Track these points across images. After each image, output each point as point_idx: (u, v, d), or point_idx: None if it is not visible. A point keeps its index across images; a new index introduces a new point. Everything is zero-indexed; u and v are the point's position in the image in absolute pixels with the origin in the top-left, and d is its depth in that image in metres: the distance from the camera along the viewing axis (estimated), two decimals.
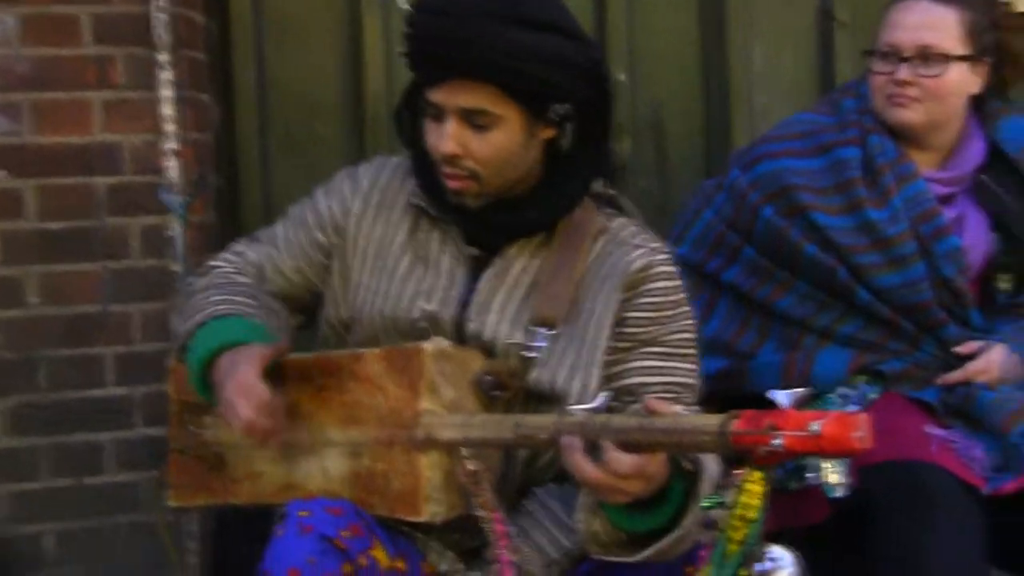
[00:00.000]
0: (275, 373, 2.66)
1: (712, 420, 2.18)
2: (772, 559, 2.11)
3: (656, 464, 2.27)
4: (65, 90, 3.63)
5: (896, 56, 3.21)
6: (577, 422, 2.33)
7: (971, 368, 3.17)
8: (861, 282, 3.21)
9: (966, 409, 3.13)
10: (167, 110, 3.65)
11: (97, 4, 3.61)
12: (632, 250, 2.68)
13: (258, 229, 3.03)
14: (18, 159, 3.63)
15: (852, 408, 3.16)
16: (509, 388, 2.60)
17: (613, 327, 2.64)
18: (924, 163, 3.29)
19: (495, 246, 2.72)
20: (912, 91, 3.22)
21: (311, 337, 2.91)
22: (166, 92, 3.64)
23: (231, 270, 2.87)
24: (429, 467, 2.47)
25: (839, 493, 2.14)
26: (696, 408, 2.67)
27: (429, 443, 2.47)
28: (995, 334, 3.23)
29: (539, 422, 2.41)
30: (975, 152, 3.33)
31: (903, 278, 3.19)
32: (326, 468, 2.62)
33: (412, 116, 2.73)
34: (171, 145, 3.65)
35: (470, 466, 2.45)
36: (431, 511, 2.47)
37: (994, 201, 3.31)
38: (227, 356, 2.60)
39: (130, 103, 3.66)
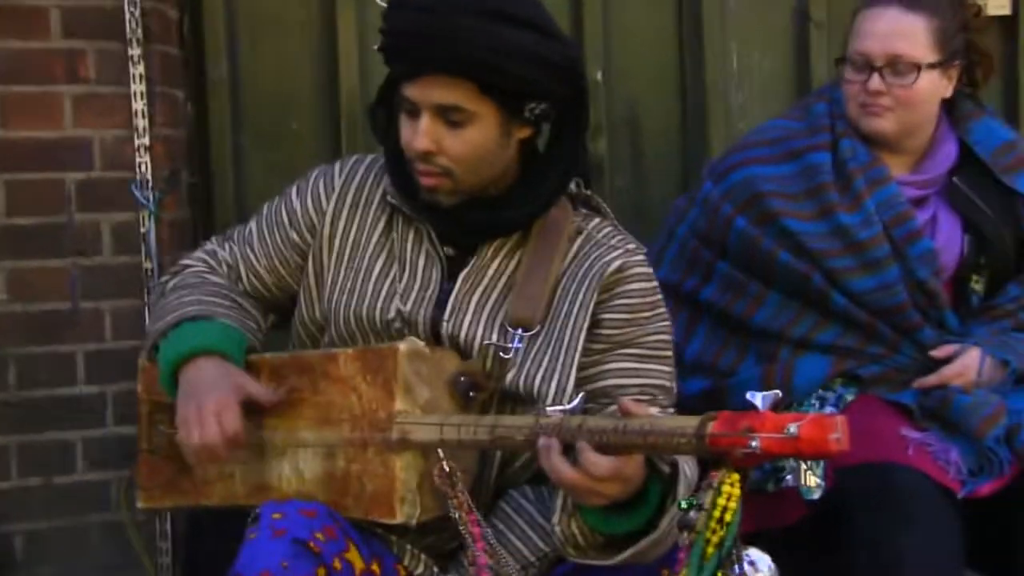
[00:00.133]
0: (249, 374, 2.65)
1: (689, 422, 2.17)
2: (750, 562, 2.10)
3: (633, 466, 2.26)
4: (34, 84, 3.59)
5: (867, 66, 3.21)
6: (553, 423, 2.31)
7: (947, 372, 3.17)
8: (836, 287, 3.20)
9: (942, 413, 3.12)
10: (138, 105, 3.62)
11: None
12: (608, 251, 2.67)
13: (231, 225, 3.02)
14: None
15: (829, 410, 3.16)
16: (484, 389, 2.58)
17: (589, 328, 2.62)
18: (897, 166, 3.29)
19: (470, 246, 2.70)
20: (884, 100, 3.22)
21: (284, 337, 2.89)
22: (138, 87, 3.61)
23: (204, 269, 2.85)
24: (403, 468, 2.45)
25: (815, 495, 2.13)
26: (672, 410, 2.67)
27: (404, 444, 2.45)
28: (970, 337, 3.23)
29: (516, 423, 2.39)
30: (947, 154, 3.33)
31: (878, 281, 3.19)
32: (299, 469, 2.60)
33: (387, 112, 2.71)
34: (143, 141, 3.62)
35: (445, 467, 2.43)
36: (406, 513, 2.45)
37: (966, 204, 3.30)
38: (205, 365, 2.60)
39: (101, 98, 3.62)
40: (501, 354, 2.59)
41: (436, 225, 2.71)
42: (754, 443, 2.05)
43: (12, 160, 3.60)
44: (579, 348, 2.61)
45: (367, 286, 2.72)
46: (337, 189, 2.80)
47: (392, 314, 2.68)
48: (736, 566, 2.12)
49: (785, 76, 4.26)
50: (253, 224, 2.89)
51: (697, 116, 4.18)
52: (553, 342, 2.62)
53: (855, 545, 2.96)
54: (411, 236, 2.74)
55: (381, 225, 2.76)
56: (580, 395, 2.40)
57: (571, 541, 2.40)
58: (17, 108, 3.59)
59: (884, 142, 3.27)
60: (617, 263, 2.64)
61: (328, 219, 2.78)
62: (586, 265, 2.66)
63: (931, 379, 3.17)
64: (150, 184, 3.62)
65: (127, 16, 3.57)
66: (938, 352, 3.20)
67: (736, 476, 2.09)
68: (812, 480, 2.15)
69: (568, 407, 2.33)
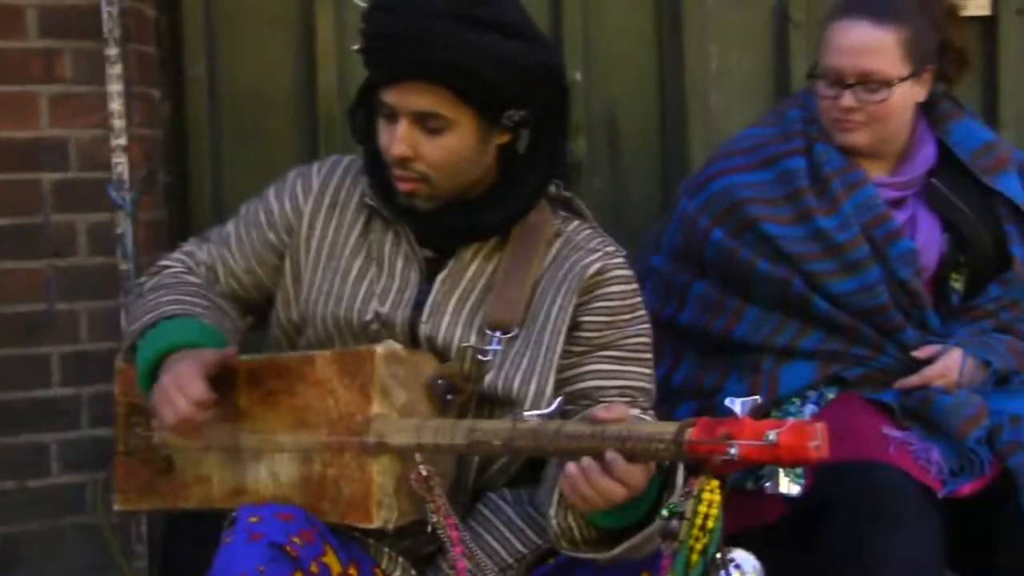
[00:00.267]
0: (224, 376, 2.64)
1: (667, 428, 2.17)
2: (736, 565, 2.09)
3: (647, 473, 2.26)
4: (11, 84, 3.57)
5: (839, 82, 3.21)
6: (531, 428, 2.30)
7: (928, 373, 3.17)
8: (817, 291, 3.20)
9: (923, 413, 3.12)
10: (116, 105, 3.59)
11: None
12: (587, 254, 2.66)
13: (208, 226, 3.00)
14: None
15: (810, 408, 3.16)
16: (462, 392, 2.57)
17: (568, 331, 2.61)
18: (874, 169, 3.30)
19: (449, 248, 2.70)
20: (857, 116, 3.22)
21: (261, 338, 2.87)
22: (115, 87, 3.58)
23: (181, 270, 2.84)
24: (380, 472, 2.44)
25: (795, 493, 2.14)
26: (651, 412, 2.66)
27: (381, 448, 2.44)
28: (952, 338, 3.23)
29: (493, 428, 2.38)
30: (926, 156, 3.33)
31: (858, 283, 3.19)
32: (276, 473, 2.58)
33: (367, 114, 2.70)
34: (120, 141, 3.59)
35: (423, 471, 2.41)
36: (383, 517, 2.44)
37: (945, 204, 3.31)
38: (173, 357, 2.57)
39: (78, 97, 3.60)
40: (479, 356, 2.59)
41: (414, 228, 2.70)
42: (733, 450, 2.05)
43: None
44: (558, 350, 2.60)
45: (344, 287, 2.71)
46: (315, 190, 2.78)
47: (370, 316, 2.66)
48: (722, 571, 2.12)
49: (764, 76, 4.25)
50: (231, 225, 2.88)
51: (676, 116, 4.17)
52: (532, 344, 2.61)
53: (835, 544, 2.97)
54: (389, 238, 2.73)
55: (359, 226, 2.75)
56: (558, 399, 2.39)
57: (567, 535, 2.40)
58: None
59: (860, 153, 3.27)
60: (597, 266, 2.64)
61: (306, 220, 2.77)
62: (565, 268, 2.65)
63: (913, 380, 3.17)
64: (127, 184, 3.60)
65: (104, 15, 3.54)
66: (920, 353, 3.20)
67: (716, 482, 2.09)
68: (793, 488, 2.15)
69: (546, 411, 2.33)
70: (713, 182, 3.35)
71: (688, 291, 3.38)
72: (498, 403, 2.61)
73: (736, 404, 2.09)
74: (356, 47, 2.63)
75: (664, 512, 2.14)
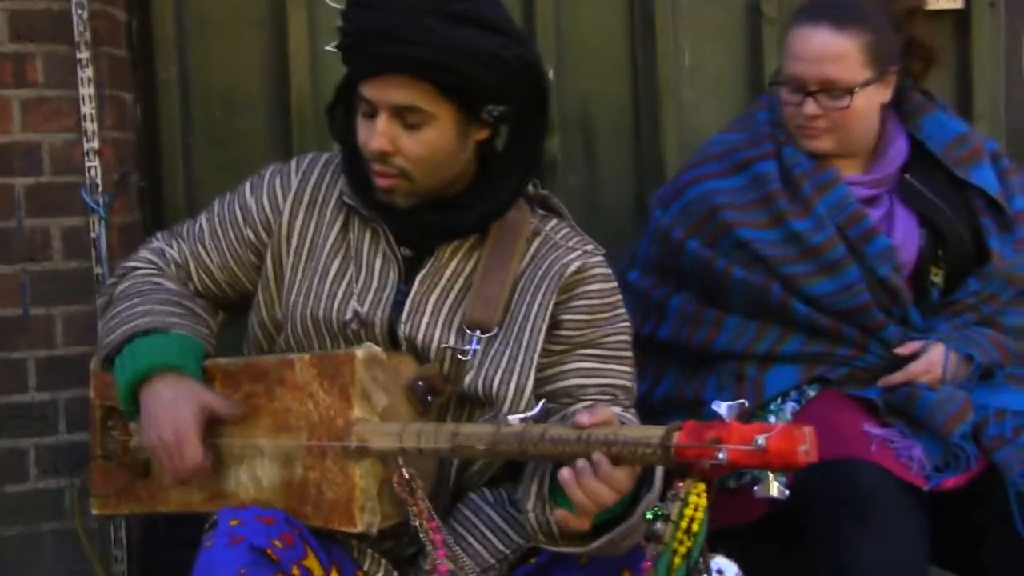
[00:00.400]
0: (204, 379, 2.63)
1: (654, 432, 2.17)
2: (717, 571, 2.09)
3: (633, 475, 2.26)
4: None
5: (801, 89, 3.20)
6: (515, 433, 2.30)
7: (912, 369, 3.16)
8: (795, 295, 3.20)
9: (908, 409, 3.12)
10: (87, 109, 3.57)
11: (15, 0, 3.53)
12: (567, 252, 2.66)
13: None
14: None
15: (791, 406, 3.16)
16: (442, 393, 2.57)
17: (548, 329, 2.61)
18: (847, 168, 3.29)
19: (427, 247, 2.69)
20: (821, 123, 3.22)
21: (234, 336, 2.86)
22: (86, 90, 3.56)
23: (151, 271, 2.82)
24: (363, 476, 2.44)
25: (783, 498, 2.12)
26: (633, 410, 2.66)
27: (363, 453, 2.43)
28: (933, 333, 3.23)
29: (477, 432, 2.37)
30: (898, 151, 3.33)
31: (837, 283, 3.19)
32: (257, 476, 2.58)
33: (346, 112, 2.69)
34: (92, 144, 3.58)
35: (405, 474, 2.41)
36: (366, 521, 2.43)
37: (920, 200, 3.30)
38: (161, 388, 2.59)
39: (49, 101, 3.58)
40: (459, 356, 2.58)
41: (392, 226, 2.69)
42: (721, 455, 2.05)
43: None
44: (538, 349, 2.60)
45: (323, 287, 2.70)
46: (294, 188, 2.77)
47: (349, 315, 2.66)
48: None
49: (737, 72, 4.24)
50: (203, 221, 2.86)
51: (650, 113, 4.17)
52: (511, 343, 2.61)
53: (816, 543, 2.97)
54: (367, 237, 2.72)
55: (338, 225, 2.74)
56: (541, 402, 2.39)
57: (544, 529, 2.40)
58: None
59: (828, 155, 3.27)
60: (576, 264, 2.64)
61: (285, 218, 2.76)
62: (544, 266, 2.65)
63: (897, 376, 3.17)
64: (100, 188, 3.58)
65: (75, 19, 3.52)
66: (903, 349, 3.20)
67: (702, 486, 2.09)
68: (782, 493, 2.14)
69: (529, 415, 2.32)
70: (689, 189, 3.35)
71: (666, 306, 3.38)
72: (478, 402, 2.61)
73: (722, 407, 2.09)
74: (334, 44, 2.62)
75: (649, 514, 2.13)
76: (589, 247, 2.70)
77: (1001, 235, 3.30)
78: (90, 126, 3.57)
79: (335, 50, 2.62)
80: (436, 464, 2.57)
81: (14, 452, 3.62)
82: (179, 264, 2.83)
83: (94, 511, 2.92)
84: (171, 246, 2.86)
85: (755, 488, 2.11)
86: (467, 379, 2.59)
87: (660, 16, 4.14)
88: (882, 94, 3.24)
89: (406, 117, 2.54)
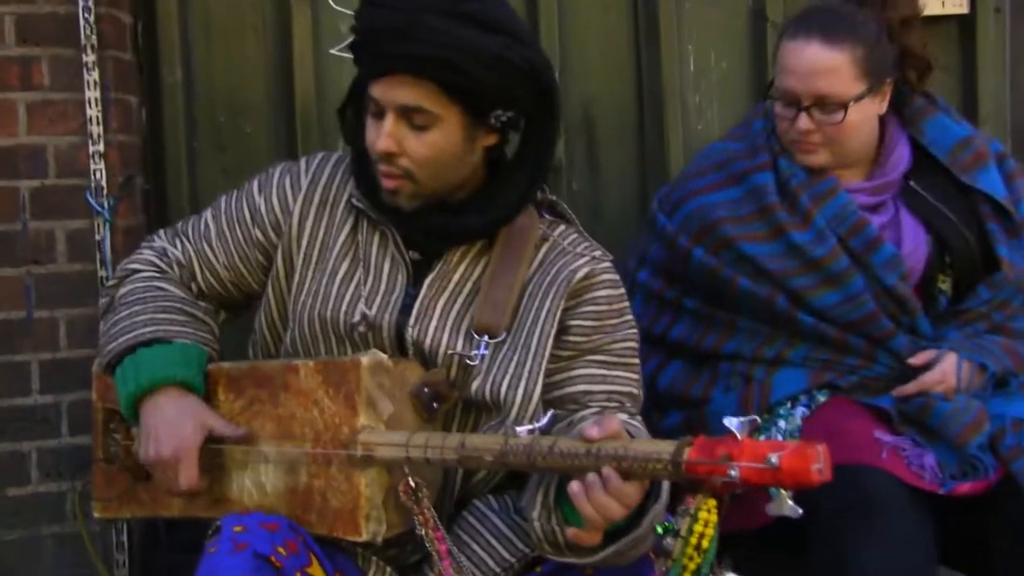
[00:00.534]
0: (207, 384, 2.63)
1: (665, 447, 2.15)
2: None
3: (642, 489, 2.26)
4: None
5: (794, 104, 3.17)
6: (523, 444, 2.29)
7: (926, 380, 3.13)
8: (801, 307, 3.19)
9: (922, 419, 3.09)
10: (93, 111, 3.57)
11: (21, 4, 3.53)
12: (575, 258, 2.66)
13: None
14: None
15: (800, 410, 3.14)
16: (448, 399, 2.56)
17: (556, 335, 2.61)
18: (848, 175, 3.27)
19: (436, 251, 2.68)
20: (815, 138, 3.19)
21: (240, 339, 2.86)
22: (92, 93, 3.57)
23: (154, 274, 2.82)
24: (368, 485, 2.43)
25: (796, 516, 2.11)
26: (639, 418, 2.65)
27: (368, 461, 2.43)
28: (944, 342, 3.20)
29: (484, 443, 2.36)
30: (899, 157, 3.30)
31: (842, 295, 3.17)
32: (261, 483, 2.57)
33: (356, 114, 2.68)
34: (97, 147, 3.58)
35: (411, 483, 2.40)
36: (371, 530, 2.43)
37: (925, 207, 3.28)
38: (164, 402, 2.60)
39: (55, 104, 3.58)
40: (468, 361, 2.58)
41: (400, 229, 2.69)
42: (733, 472, 2.04)
43: None
44: (546, 355, 2.59)
45: (331, 289, 2.69)
46: (304, 188, 2.77)
47: (357, 318, 2.65)
48: None
49: (742, 76, 4.23)
50: (209, 219, 2.85)
51: (654, 117, 4.16)
52: (519, 349, 2.60)
53: (822, 550, 2.95)
54: (376, 239, 2.72)
55: (347, 227, 2.74)
56: (550, 412, 2.38)
57: (549, 538, 2.39)
58: None
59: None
60: (584, 270, 2.63)
61: (295, 219, 2.75)
62: (553, 272, 2.64)
63: (910, 387, 3.13)
64: (105, 191, 3.58)
65: (81, 22, 3.53)
66: (916, 360, 3.16)
67: (712, 502, 2.08)
68: (796, 511, 2.12)
69: (538, 425, 2.31)
70: (686, 203, 3.33)
71: (680, 305, 3.37)
72: (485, 408, 2.60)
73: (733, 423, 2.07)
74: (346, 44, 2.62)
75: (659, 529, 2.12)
76: (597, 253, 2.69)
77: (1010, 241, 3.27)
78: (95, 129, 3.58)
79: (344, 52, 2.62)
80: (441, 472, 2.56)
81: (16, 455, 3.62)
82: (182, 264, 2.82)
83: (96, 514, 2.91)
84: (174, 245, 2.85)
85: (767, 506, 2.10)
86: (475, 384, 2.58)
87: (664, 19, 4.13)
88: (878, 105, 3.21)
89: (413, 118, 2.53)
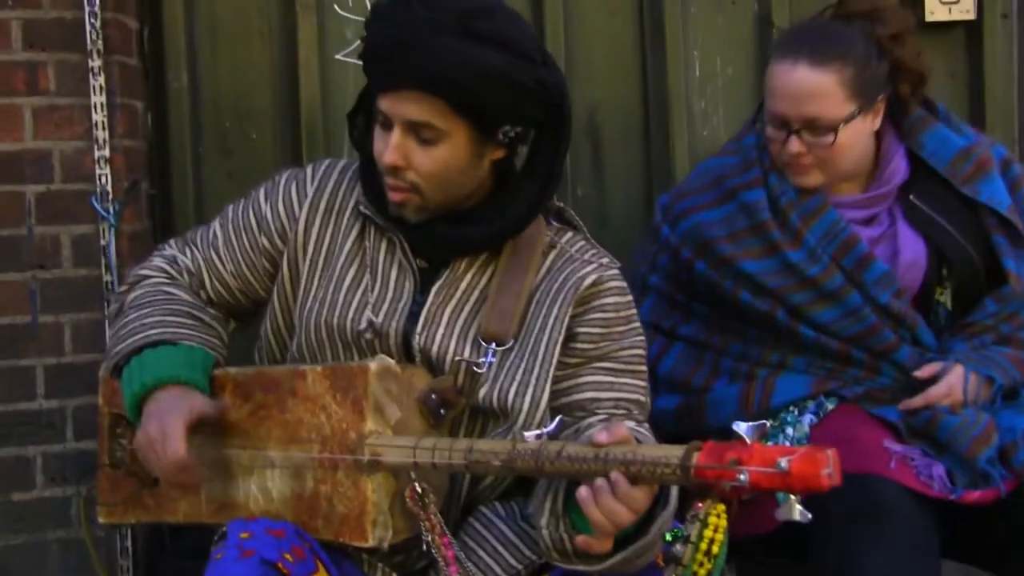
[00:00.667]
0: (213, 389, 2.63)
1: (673, 452, 2.15)
2: None
3: (651, 494, 2.25)
4: None
5: (784, 126, 3.13)
6: (531, 450, 2.28)
7: (932, 394, 3.10)
8: (802, 321, 3.17)
9: (930, 433, 3.07)
10: (99, 116, 3.58)
11: (27, 9, 3.54)
12: (583, 266, 2.65)
13: None
14: None
15: (808, 417, 3.12)
16: (455, 406, 2.56)
17: (564, 343, 2.60)
18: (845, 189, 3.24)
19: (442, 259, 2.68)
20: (807, 159, 3.14)
21: (247, 348, 2.86)
22: (98, 98, 3.57)
23: (164, 280, 2.81)
24: (375, 490, 2.42)
25: (806, 521, 2.10)
26: (647, 425, 2.65)
27: (376, 467, 2.42)
28: (951, 354, 3.17)
29: (492, 448, 2.35)
30: (896, 169, 3.24)
31: (840, 310, 3.15)
32: (267, 488, 2.56)
33: (366, 120, 2.68)
34: (103, 152, 3.58)
35: (418, 488, 2.40)
36: (377, 536, 2.42)
37: (922, 220, 3.23)
38: (162, 396, 2.57)
39: (61, 109, 3.59)
40: (475, 369, 2.57)
41: (407, 237, 2.68)
42: (742, 476, 2.03)
43: None
44: (553, 362, 2.58)
45: (338, 296, 2.69)
46: (310, 195, 2.76)
47: (363, 325, 2.64)
48: None
49: (748, 82, 4.22)
50: (217, 227, 2.85)
51: (659, 123, 4.15)
52: (527, 356, 2.59)
53: (827, 558, 2.93)
54: (383, 247, 2.71)
55: (354, 234, 2.73)
56: (558, 418, 2.38)
57: (557, 546, 2.38)
58: None
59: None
60: (592, 277, 2.62)
61: (301, 226, 2.75)
62: (560, 279, 2.64)
63: (916, 401, 3.11)
64: (110, 196, 3.58)
65: (87, 27, 3.54)
66: (921, 373, 3.14)
67: (722, 507, 2.08)
68: (805, 516, 2.11)
69: (545, 431, 2.31)
70: (684, 220, 3.30)
71: (690, 307, 3.36)
72: (492, 415, 2.60)
73: (742, 427, 2.07)
74: (357, 55, 2.61)
75: (668, 536, 2.12)
76: (605, 260, 2.68)
77: (1016, 252, 3.23)
78: (101, 134, 3.58)
79: (353, 60, 2.61)
80: (448, 478, 2.56)
81: (21, 460, 3.62)
82: (192, 272, 2.82)
83: (101, 519, 2.90)
84: (184, 253, 2.85)
85: (776, 511, 2.09)
86: (482, 392, 2.58)
87: (670, 24, 4.13)
88: (870, 123, 3.17)
89: (420, 133, 2.52)
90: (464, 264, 2.66)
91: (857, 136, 3.14)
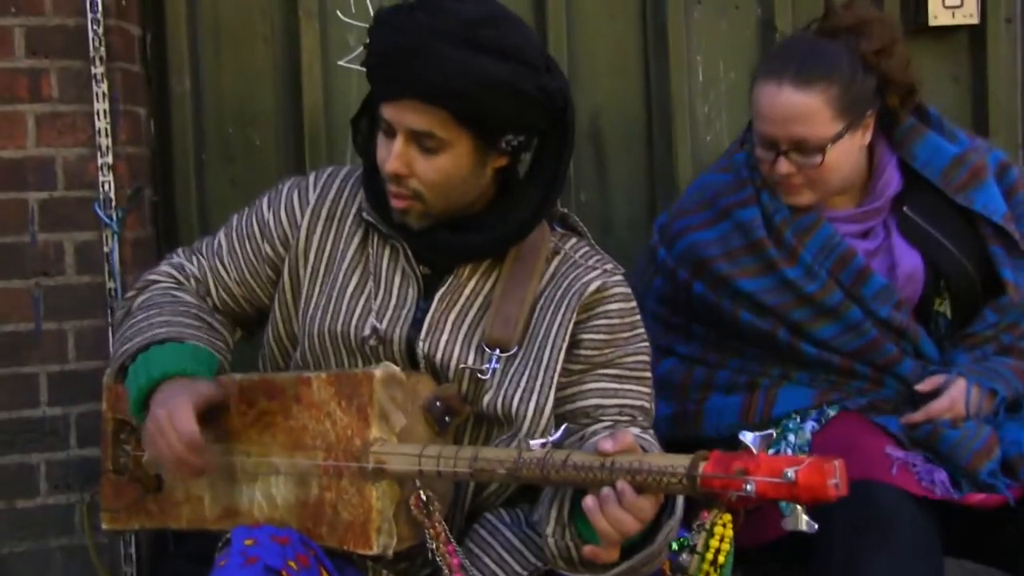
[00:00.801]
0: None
1: (680, 461, 2.14)
2: None
3: (656, 503, 2.25)
4: None
5: (772, 147, 3.10)
6: (537, 458, 2.28)
7: (934, 408, 3.07)
8: (803, 338, 3.16)
9: (931, 445, 3.05)
10: (101, 123, 3.57)
11: (30, 16, 3.53)
12: (587, 272, 2.64)
13: (194, 243, 2.97)
14: None
15: (810, 424, 3.11)
16: (460, 413, 2.56)
17: (568, 349, 2.59)
18: (839, 203, 3.22)
19: (446, 265, 2.67)
20: (796, 179, 3.12)
21: (252, 357, 2.85)
22: (100, 105, 3.56)
23: (171, 285, 2.82)
24: (379, 498, 2.42)
25: (812, 531, 2.10)
26: (651, 431, 2.64)
27: (380, 474, 2.42)
28: (953, 366, 3.15)
29: (497, 456, 2.35)
30: (888, 181, 3.22)
31: (841, 326, 3.13)
32: (271, 495, 2.56)
33: (370, 126, 2.68)
34: (105, 159, 3.58)
35: (423, 496, 2.40)
36: (382, 543, 2.42)
37: (917, 231, 3.21)
38: (167, 386, 2.55)
39: (64, 116, 3.58)
40: (479, 375, 2.57)
41: (410, 244, 2.68)
42: (748, 486, 2.03)
43: None
44: (558, 369, 2.58)
45: (341, 303, 2.69)
46: (312, 202, 2.76)
47: (367, 332, 2.64)
48: None
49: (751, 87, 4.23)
50: (222, 236, 2.85)
51: (662, 128, 4.16)
52: (531, 363, 2.59)
53: (830, 565, 2.91)
54: (387, 253, 2.71)
55: (356, 240, 2.73)
56: (563, 427, 2.37)
57: (563, 555, 2.38)
58: None
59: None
60: (596, 284, 2.62)
61: (303, 233, 2.75)
62: (564, 285, 2.63)
63: (917, 416, 3.08)
64: (113, 203, 3.58)
65: (90, 34, 3.53)
66: (923, 386, 3.11)
67: (728, 517, 2.07)
68: (812, 526, 2.11)
69: (551, 439, 2.30)
70: (680, 240, 3.28)
71: (689, 329, 3.35)
72: (496, 422, 2.59)
73: (748, 437, 2.06)
74: (360, 63, 2.60)
75: (675, 545, 2.12)
76: (609, 266, 2.68)
77: (1013, 261, 3.20)
78: (104, 141, 3.58)
79: (356, 67, 2.61)
80: (452, 485, 2.56)
81: (24, 467, 3.61)
82: (198, 280, 2.82)
83: (104, 526, 2.91)
84: (191, 261, 2.86)
85: (783, 521, 2.09)
86: (486, 398, 2.57)
87: (673, 29, 4.14)
88: (860, 139, 3.13)
89: (423, 141, 2.52)
90: (468, 270, 2.66)
91: (846, 154, 3.11)
